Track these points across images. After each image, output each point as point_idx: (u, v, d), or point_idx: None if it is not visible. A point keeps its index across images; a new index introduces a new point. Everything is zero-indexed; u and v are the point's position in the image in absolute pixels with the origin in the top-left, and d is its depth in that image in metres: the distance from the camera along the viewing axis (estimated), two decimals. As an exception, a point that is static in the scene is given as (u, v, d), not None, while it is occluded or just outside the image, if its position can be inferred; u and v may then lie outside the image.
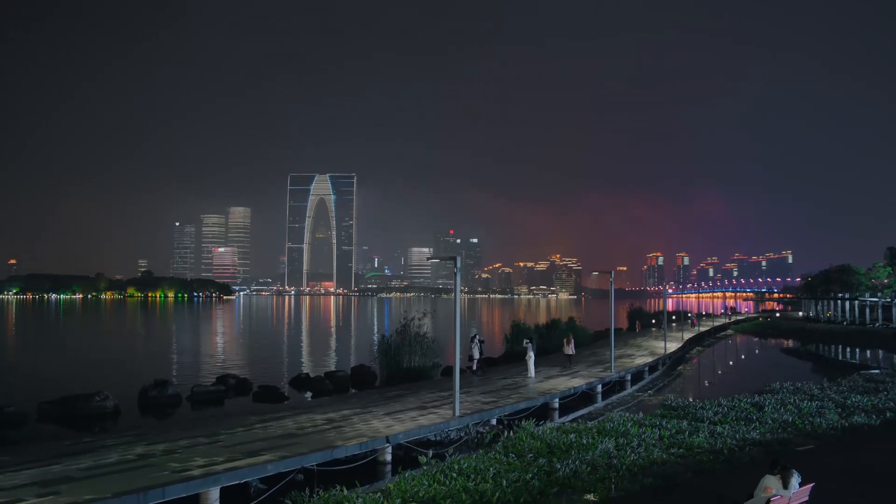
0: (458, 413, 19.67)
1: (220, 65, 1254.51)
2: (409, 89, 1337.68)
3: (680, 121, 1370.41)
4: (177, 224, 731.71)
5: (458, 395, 19.64)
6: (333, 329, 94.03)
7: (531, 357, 29.86)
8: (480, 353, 31.92)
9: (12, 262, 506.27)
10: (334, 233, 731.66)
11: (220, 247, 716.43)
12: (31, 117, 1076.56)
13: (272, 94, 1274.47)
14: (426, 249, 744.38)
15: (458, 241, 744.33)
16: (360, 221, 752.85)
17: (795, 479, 10.90)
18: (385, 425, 18.44)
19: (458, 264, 19.69)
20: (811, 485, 11.23)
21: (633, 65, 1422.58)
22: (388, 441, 17.00)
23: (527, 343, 30.88)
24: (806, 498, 11.02)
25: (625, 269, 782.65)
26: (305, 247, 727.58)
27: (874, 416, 22.23)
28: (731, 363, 48.81)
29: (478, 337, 32.59)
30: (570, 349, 34.97)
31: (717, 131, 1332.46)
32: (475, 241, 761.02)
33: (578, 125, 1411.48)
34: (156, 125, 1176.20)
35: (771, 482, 10.73)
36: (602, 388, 29.90)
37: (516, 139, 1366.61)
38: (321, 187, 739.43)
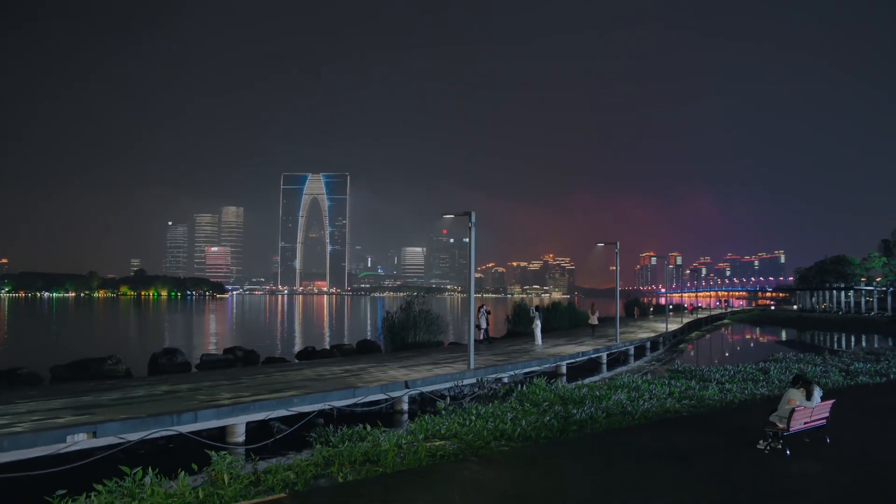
0: (472, 366, 19.92)
1: (212, 64, 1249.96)
2: (404, 89, 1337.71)
3: (673, 120, 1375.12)
4: (169, 223, 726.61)
5: (472, 348, 19.90)
6: (329, 320, 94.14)
7: (538, 325, 30.16)
8: (487, 324, 32.15)
9: (4, 260, 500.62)
10: (327, 232, 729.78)
11: (212, 246, 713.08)
12: (23, 116, 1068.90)
13: (265, 94, 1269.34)
14: (419, 249, 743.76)
15: (452, 240, 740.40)
16: (353, 221, 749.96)
17: (818, 393, 11.24)
18: (402, 374, 18.70)
19: (473, 219, 19.97)
20: (832, 401, 11.56)
21: (629, 63, 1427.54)
22: (406, 386, 17.23)
23: (534, 312, 31.16)
24: (827, 413, 11.34)
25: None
26: (298, 246, 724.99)
27: (878, 378, 22.71)
28: (729, 348, 49.25)
29: (485, 307, 32.83)
30: (594, 319, 35.56)
31: (710, 130, 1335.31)
32: (468, 240, 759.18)
33: (573, 125, 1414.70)
34: (148, 124, 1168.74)
35: (794, 395, 11.05)
36: (607, 357, 30.24)
37: (511, 139, 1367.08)
38: (314, 186, 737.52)
